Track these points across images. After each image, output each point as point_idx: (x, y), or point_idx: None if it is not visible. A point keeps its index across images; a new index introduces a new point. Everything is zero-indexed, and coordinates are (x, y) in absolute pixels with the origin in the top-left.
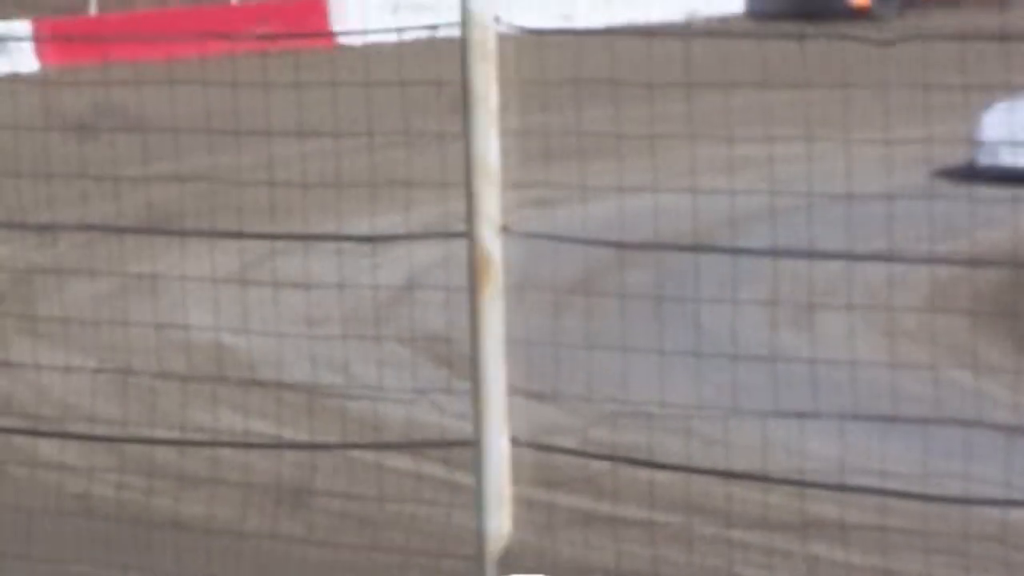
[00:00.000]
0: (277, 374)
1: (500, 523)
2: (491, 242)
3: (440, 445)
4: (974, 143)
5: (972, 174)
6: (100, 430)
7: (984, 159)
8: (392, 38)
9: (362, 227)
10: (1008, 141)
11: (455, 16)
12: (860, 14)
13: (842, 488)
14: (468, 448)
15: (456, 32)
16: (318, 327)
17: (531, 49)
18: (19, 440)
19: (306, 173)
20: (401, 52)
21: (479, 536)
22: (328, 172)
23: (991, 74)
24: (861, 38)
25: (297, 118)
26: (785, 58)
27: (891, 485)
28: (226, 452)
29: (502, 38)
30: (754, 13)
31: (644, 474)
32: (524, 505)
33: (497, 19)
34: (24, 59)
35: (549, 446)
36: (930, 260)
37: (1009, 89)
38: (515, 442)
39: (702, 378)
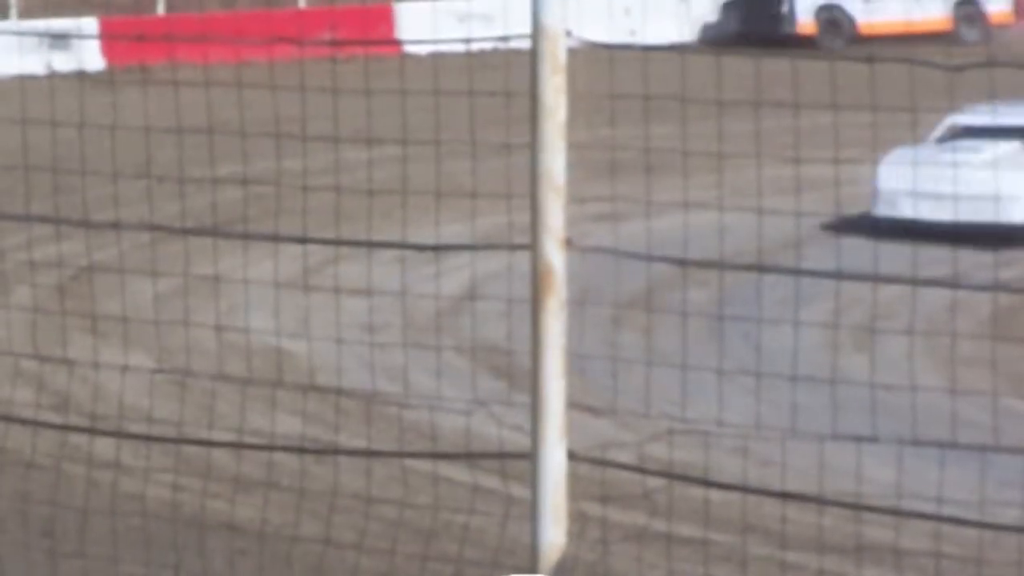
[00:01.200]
0: (336, 380)
1: (555, 536)
2: (554, 255)
3: (496, 456)
4: (872, 193)
5: (869, 226)
6: (157, 431)
7: (882, 210)
8: (460, 47)
9: (426, 235)
10: (908, 192)
11: (523, 28)
12: (806, 42)
13: (897, 513)
14: (524, 460)
15: (524, 44)
16: (378, 334)
17: (600, 63)
18: (76, 438)
19: (371, 180)
20: (468, 62)
21: (533, 549)
22: (394, 179)
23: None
24: (931, 63)
25: (364, 124)
26: (852, 79)
27: (947, 512)
28: (282, 457)
29: (572, 51)
30: (706, 40)
31: (699, 492)
32: (579, 519)
33: (568, 32)
34: (90, 57)
35: (606, 461)
36: (992, 288)
37: (914, 130)
38: (572, 456)
39: (760, 398)
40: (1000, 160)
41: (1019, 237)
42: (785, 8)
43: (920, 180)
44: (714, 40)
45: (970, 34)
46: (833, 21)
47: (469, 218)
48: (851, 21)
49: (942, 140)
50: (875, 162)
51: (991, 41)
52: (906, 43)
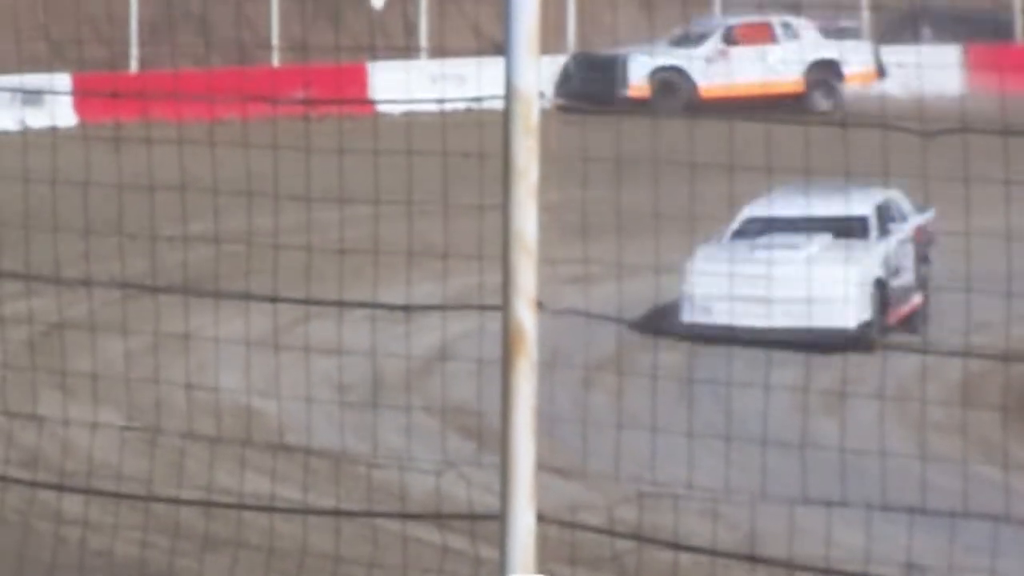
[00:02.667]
0: (305, 439)
1: None
2: (525, 316)
3: (466, 517)
4: (681, 297)
5: (677, 331)
6: (126, 488)
7: (692, 315)
8: (432, 107)
9: (397, 295)
10: (722, 296)
11: (496, 89)
12: (640, 103)
13: None
14: (494, 521)
15: (497, 104)
16: (348, 394)
17: (573, 125)
18: (45, 495)
19: (343, 239)
20: (440, 122)
21: None
22: (365, 239)
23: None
24: (904, 128)
25: (336, 183)
26: (826, 144)
27: None
28: (251, 515)
29: (545, 112)
30: (559, 96)
31: (668, 555)
32: None
33: (541, 94)
34: (63, 113)
35: (575, 523)
36: (963, 354)
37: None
38: (541, 518)
39: (730, 461)
40: (817, 258)
41: (848, 342)
42: (620, 70)
43: (732, 282)
44: (566, 98)
45: (824, 99)
46: (668, 84)
47: (440, 278)
48: (691, 84)
49: (740, 234)
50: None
51: (844, 106)
52: (749, 108)
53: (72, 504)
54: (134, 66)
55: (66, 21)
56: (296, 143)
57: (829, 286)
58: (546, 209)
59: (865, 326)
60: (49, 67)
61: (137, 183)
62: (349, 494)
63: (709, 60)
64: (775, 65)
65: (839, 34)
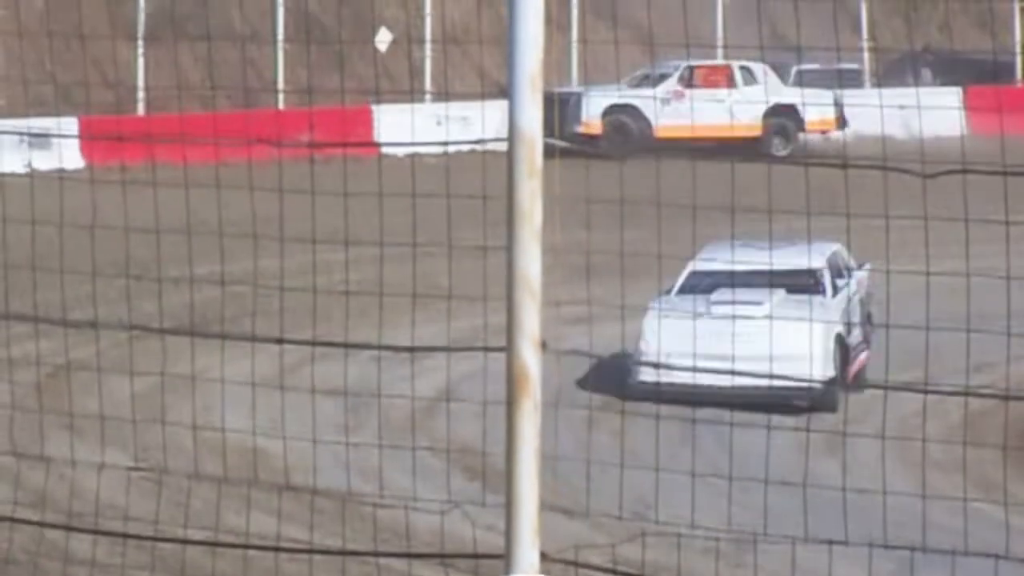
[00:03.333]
0: (311, 479)
1: None
2: (529, 357)
3: (470, 557)
4: (636, 355)
5: (636, 393)
6: (133, 528)
7: (649, 375)
8: (437, 149)
9: (402, 336)
10: (684, 354)
11: (500, 131)
12: (591, 140)
13: None
14: (498, 561)
15: (501, 146)
16: (353, 434)
17: (577, 167)
18: (53, 535)
19: (348, 280)
20: (445, 164)
21: None
22: (370, 280)
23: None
24: (904, 168)
25: (342, 225)
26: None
27: None
28: (257, 555)
29: (548, 154)
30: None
31: None
32: None
33: (544, 136)
34: (70, 156)
35: (579, 562)
36: (963, 392)
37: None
38: (545, 557)
39: (733, 500)
40: (779, 313)
41: (814, 401)
42: (574, 107)
43: (689, 340)
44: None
45: (781, 146)
46: (621, 123)
47: (445, 319)
48: (647, 123)
49: (688, 290)
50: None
51: (802, 151)
52: (704, 151)
53: (80, 544)
54: (140, 109)
55: (72, 65)
56: (301, 185)
57: (793, 343)
58: (549, 250)
59: (830, 383)
60: (56, 110)
61: (144, 225)
62: (355, 534)
63: (665, 101)
64: (732, 108)
65: (839, 77)
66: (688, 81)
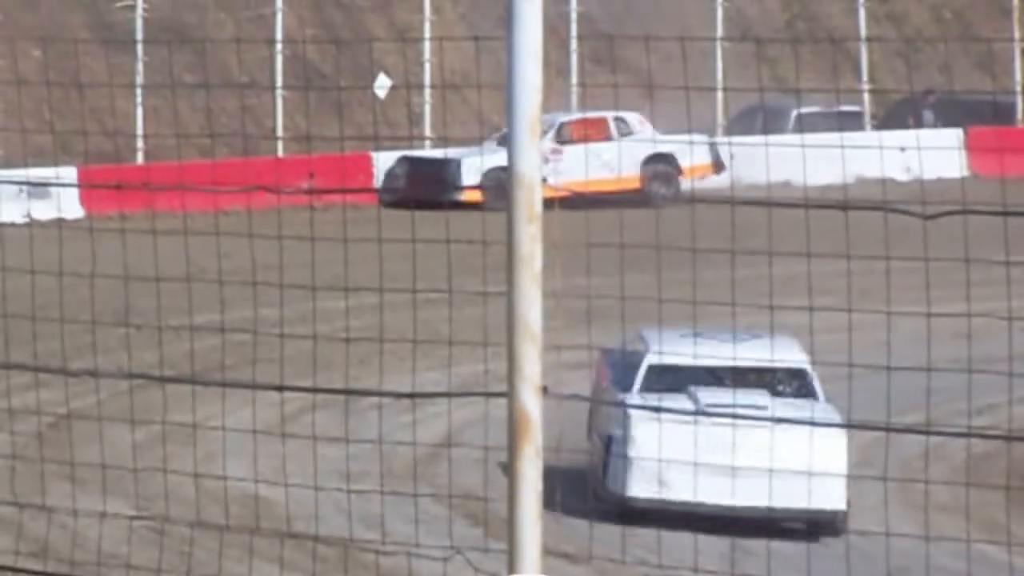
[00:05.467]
0: (313, 527)
1: None
2: (530, 403)
3: None
4: (619, 466)
5: (624, 508)
6: None
7: (639, 489)
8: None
9: (403, 383)
10: (682, 466)
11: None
12: (473, 206)
13: None
14: None
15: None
16: (355, 481)
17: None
18: None
19: (349, 328)
20: (445, 211)
21: None
22: (371, 327)
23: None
24: (905, 210)
25: (342, 272)
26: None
27: None
28: None
29: (547, 199)
30: (382, 200)
31: None
32: None
33: (544, 181)
34: (69, 205)
35: None
36: (966, 434)
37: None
38: None
39: (735, 544)
40: (786, 422)
41: (829, 526)
42: (452, 171)
43: (684, 449)
44: (388, 202)
45: (664, 188)
46: (500, 184)
47: (446, 365)
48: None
49: (650, 388)
50: (616, 420)
51: (679, 198)
52: (591, 204)
53: None
54: (139, 158)
55: (71, 114)
56: (301, 232)
57: (802, 456)
58: (551, 297)
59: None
60: (55, 160)
61: (143, 274)
62: None
63: (544, 160)
64: (610, 162)
65: (839, 119)
66: (563, 137)
